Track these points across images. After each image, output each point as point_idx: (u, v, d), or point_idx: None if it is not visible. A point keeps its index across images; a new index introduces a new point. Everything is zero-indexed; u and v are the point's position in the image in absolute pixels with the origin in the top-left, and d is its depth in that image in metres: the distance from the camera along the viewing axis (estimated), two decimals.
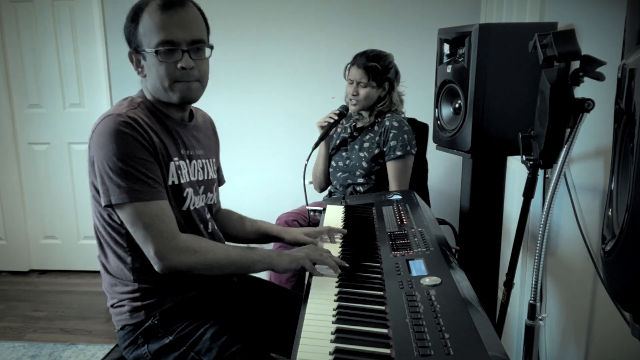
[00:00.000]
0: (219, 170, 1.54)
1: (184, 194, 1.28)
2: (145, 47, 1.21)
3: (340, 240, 1.48)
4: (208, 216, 1.39)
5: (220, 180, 1.55)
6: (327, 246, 1.44)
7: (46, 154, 3.32)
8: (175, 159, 1.27)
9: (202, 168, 1.38)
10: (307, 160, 2.08)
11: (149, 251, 1.17)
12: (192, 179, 1.34)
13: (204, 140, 1.42)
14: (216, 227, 1.44)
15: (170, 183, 1.25)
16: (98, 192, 1.19)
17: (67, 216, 3.37)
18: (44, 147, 3.32)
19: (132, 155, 1.15)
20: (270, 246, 1.91)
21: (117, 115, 1.17)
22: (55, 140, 3.30)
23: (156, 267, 1.18)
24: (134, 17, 1.22)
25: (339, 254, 1.37)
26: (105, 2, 3.07)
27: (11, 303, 3.00)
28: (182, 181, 1.28)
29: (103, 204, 1.18)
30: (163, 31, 1.19)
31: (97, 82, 3.19)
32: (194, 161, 1.35)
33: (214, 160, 1.47)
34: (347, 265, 1.25)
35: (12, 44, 3.19)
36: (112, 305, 1.31)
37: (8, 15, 3.16)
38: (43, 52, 3.19)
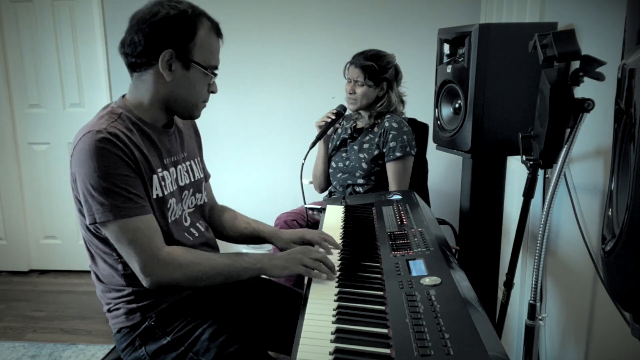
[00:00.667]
0: (203, 166, 1.53)
1: (168, 205, 1.27)
2: (199, 60, 1.22)
3: (341, 240, 1.47)
4: (190, 222, 1.36)
5: (206, 176, 1.53)
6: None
7: (46, 154, 3.32)
8: (159, 170, 1.26)
9: (188, 171, 1.38)
10: (304, 159, 2.08)
11: (134, 267, 1.17)
12: (180, 184, 1.33)
13: (186, 141, 1.42)
14: (207, 229, 1.43)
15: (154, 196, 1.23)
16: (82, 205, 1.18)
17: (67, 216, 3.37)
18: (44, 147, 3.32)
19: (113, 172, 1.13)
20: (269, 246, 1.90)
21: (96, 132, 1.14)
22: (55, 140, 3.30)
23: (144, 283, 1.17)
24: (187, 23, 1.19)
25: (339, 255, 1.37)
26: (105, 2, 3.07)
27: (11, 303, 3.00)
28: (165, 193, 1.26)
29: (88, 223, 1.17)
30: (216, 57, 1.27)
31: (97, 82, 3.19)
32: (179, 166, 1.34)
33: (199, 158, 1.48)
34: (337, 272, 1.24)
35: (12, 44, 3.19)
36: (107, 310, 1.31)
37: (8, 15, 3.16)
38: (43, 52, 3.18)
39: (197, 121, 1.47)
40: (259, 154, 3.15)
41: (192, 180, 1.39)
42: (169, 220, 1.27)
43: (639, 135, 0.69)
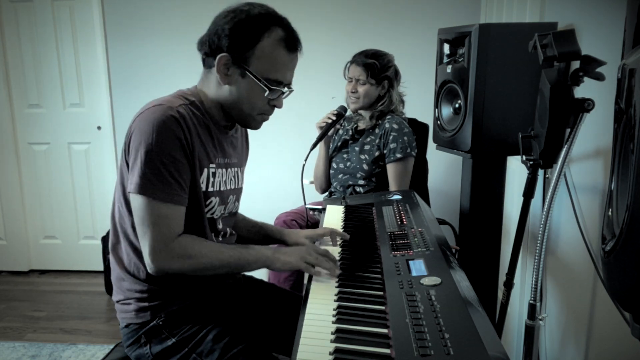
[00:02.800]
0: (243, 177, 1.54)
1: (208, 202, 1.27)
2: (254, 71, 1.19)
3: (341, 241, 1.48)
4: (222, 225, 1.36)
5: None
6: (328, 247, 1.42)
7: (46, 154, 3.32)
8: (212, 165, 1.27)
9: (235, 176, 1.38)
10: (305, 160, 2.08)
11: (144, 248, 1.16)
12: (226, 187, 1.33)
13: (239, 148, 1.42)
14: (232, 236, 1.43)
15: (200, 189, 1.23)
16: (128, 174, 1.19)
17: (67, 216, 3.37)
18: (44, 147, 3.32)
19: (168, 152, 1.14)
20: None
21: (168, 107, 1.16)
22: (55, 140, 3.30)
23: (148, 267, 1.17)
24: (251, 30, 1.17)
25: (339, 255, 1.37)
26: (105, 2, 3.07)
27: (11, 303, 3.00)
28: (210, 189, 1.27)
29: (127, 190, 1.18)
30: (282, 71, 1.22)
31: (97, 82, 3.19)
32: (229, 169, 1.35)
33: (244, 168, 1.48)
34: (340, 271, 1.24)
35: (12, 44, 3.19)
36: (117, 301, 1.31)
37: (8, 15, 3.16)
38: (43, 52, 3.19)
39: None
40: (259, 154, 3.14)
41: (237, 186, 1.40)
42: (205, 216, 1.27)
43: (639, 135, 0.69)
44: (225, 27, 1.18)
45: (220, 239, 1.36)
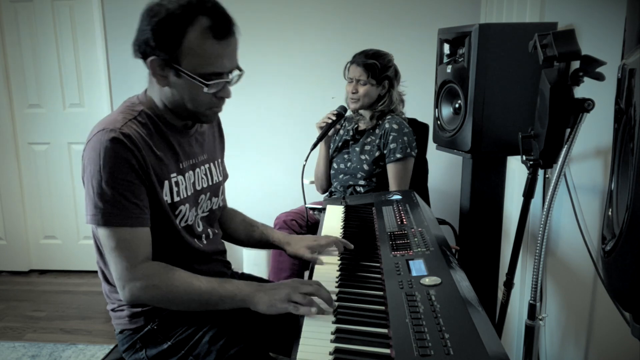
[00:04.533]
0: (223, 168, 1.48)
1: (177, 212, 1.23)
2: (186, 69, 1.11)
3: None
4: (202, 227, 1.33)
5: (225, 176, 1.49)
6: (327, 258, 1.35)
7: (46, 154, 3.32)
8: (173, 175, 1.22)
9: (206, 174, 1.34)
10: (306, 160, 2.08)
11: (113, 276, 1.15)
12: (197, 188, 1.30)
13: (208, 142, 1.37)
14: (218, 236, 1.40)
15: (165, 202, 1.20)
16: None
17: (67, 216, 3.37)
18: (44, 147, 3.32)
19: (118, 176, 1.10)
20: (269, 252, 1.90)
21: (110, 130, 1.11)
22: (55, 140, 3.30)
23: (120, 295, 1.15)
24: (173, 27, 1.09)
25: (339, 256, 1.37)
26: (105, 2, 3.07)
27: (11, 303, 3.00)
28: (175, 199, 1.22)
29: (85, 222, 1.15)
30: (215, 63, 1.12)
31: (97, 82, 3.19)
32: (197, 169, 1.30)
33: (220, 160, 1.43)
34: (335, 301, 1.09)
35: (12, 44, 3.19)
36: (111, 310, 1.30)
37: (8, 15, 3.16)
38: (43, 52, 3.19)
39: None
40: (259, 154, 3.15)
41: (210, 183, 1.36)
42: (179, 227, 1.24)
43: (639, 135, 0.69)
44: (147, 28, 1.10)
45: (205, 241, 1.32)
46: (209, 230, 1.36)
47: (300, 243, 1.42)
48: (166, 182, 1.20)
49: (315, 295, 1.07)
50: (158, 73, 1.14)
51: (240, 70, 1.20)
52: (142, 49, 1.13)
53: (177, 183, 1.23)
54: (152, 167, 1.16)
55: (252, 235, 1.52)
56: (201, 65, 1.11)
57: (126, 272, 1.12)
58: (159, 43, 1.10)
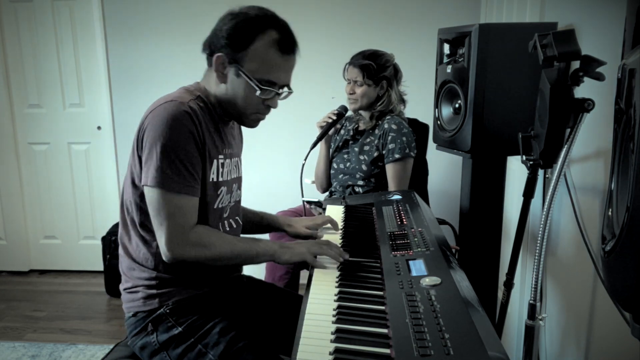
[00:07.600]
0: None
1: (219, 192, 1.31)
2: (246, 71, 1.23)
3: (341, 240, 1.48)
4: (229, 213, 1.40)
5: None
6: (328, 238, 1.46)
7: (46, 154, 3.32)
8: (221, 157, 1.32)
9: (236, 166, 1.43)
10: (305, 159, 2.08)
11: (161, 238, 1.20)
12: (231, 176, 1.38)
13: (237, 139, 1.47)
14: (239, 227, 1.46)
15: (210, 180, 1.28)
16: (140, 168, 1.22)
17: (67, 216, 3.37)
18: (44, 147, 3.32)
19: (181, 145, 1.18)
20: (266, 236, 1.91)
21: (180, 102, 1.20)
22: (55, 140, 3.30)
23: (164, 256, 1.21)
24: (246, 31, 1.22)
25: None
26: (105, 2, 3.07)
27: (11, 303, 3.00)
28: (220, 179, 1.31)
29: (142, 183, 1.21)
30: (274, 73, 1.25)
31: (97, 82, 3.19)
32: (232, 159, 1.40)
33: (241, 157, 1.53)
34: (348, 256, 1.29)
35: (12, 44, 3.19)
36: (125, 289, 1.32)
37: (8, 15, 3.16)
38: (43, 52, 3.19)
39: None
40: (259, 154, 3.15)
41: (238, 175, 1.45)
42: (214, 206, 1.31)
43: (639, 135, 0.69)
44: (224, 28, 1.23)
45: (228, 228, 1.39)
46: (233, 219, 1.43)
47: (300, 223, 1.57)
48: (215, 161, 1.30)
49: (326, 250, 1.29)
50: (220, 69, 1.25)
51: (289, 89, 1.32)
52: (213, 45, 1.25)
53: (222, 165, 1.33)
54: (207, 144, 1.25)
55: (252, 220, 1.59)
56: (260, 70, 1.23)
57: (180, 235, 1.20)
58: (230, 42, 1.22)
